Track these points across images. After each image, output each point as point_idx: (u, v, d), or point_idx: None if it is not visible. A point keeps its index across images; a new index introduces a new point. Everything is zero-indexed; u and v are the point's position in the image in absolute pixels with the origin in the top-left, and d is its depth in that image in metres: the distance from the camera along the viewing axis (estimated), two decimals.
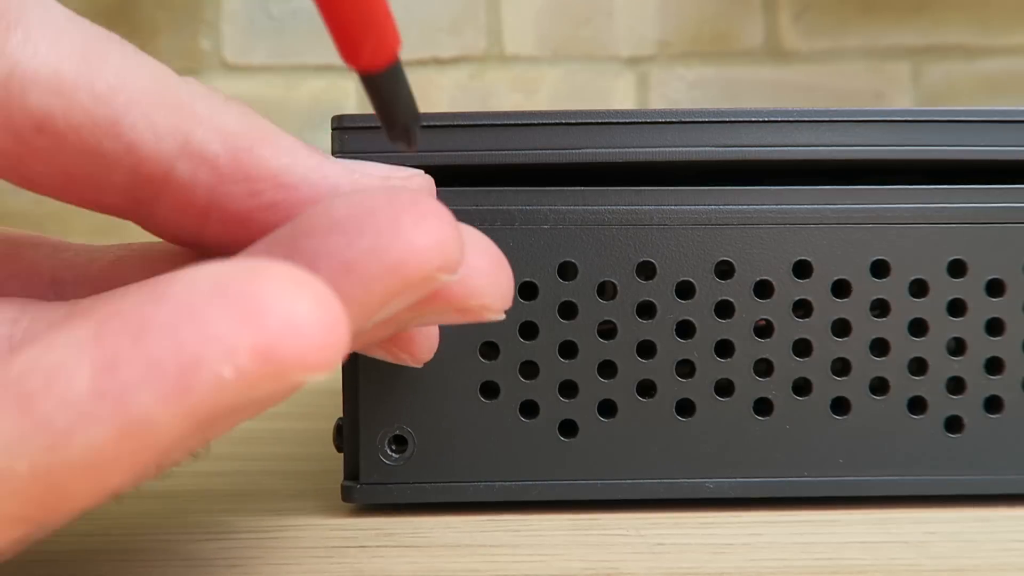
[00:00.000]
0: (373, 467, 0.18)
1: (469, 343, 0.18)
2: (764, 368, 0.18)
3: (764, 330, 0.18)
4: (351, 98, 0.70)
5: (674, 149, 0.18)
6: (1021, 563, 0.16)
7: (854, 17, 0.69)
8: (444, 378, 0.18)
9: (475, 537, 0.17)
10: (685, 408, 0.18)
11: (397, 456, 0.18)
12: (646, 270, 0.18)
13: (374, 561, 0.16)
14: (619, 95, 0.70)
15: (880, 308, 0.19)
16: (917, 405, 0.19)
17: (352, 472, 0.18)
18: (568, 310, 0.18)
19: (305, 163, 0.14)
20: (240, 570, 0.16)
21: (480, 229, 0.18)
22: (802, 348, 0.18)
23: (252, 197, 0.14)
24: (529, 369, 0.18)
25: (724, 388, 0.18)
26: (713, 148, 0.18)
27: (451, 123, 0.18)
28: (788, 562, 0.16)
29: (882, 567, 0.16)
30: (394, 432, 0.18)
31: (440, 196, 0.18)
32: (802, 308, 0.18)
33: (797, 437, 0.18)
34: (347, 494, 0.18)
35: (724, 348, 0.18)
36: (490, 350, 0.18)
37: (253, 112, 0.14)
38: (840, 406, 0.19)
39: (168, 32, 0.70)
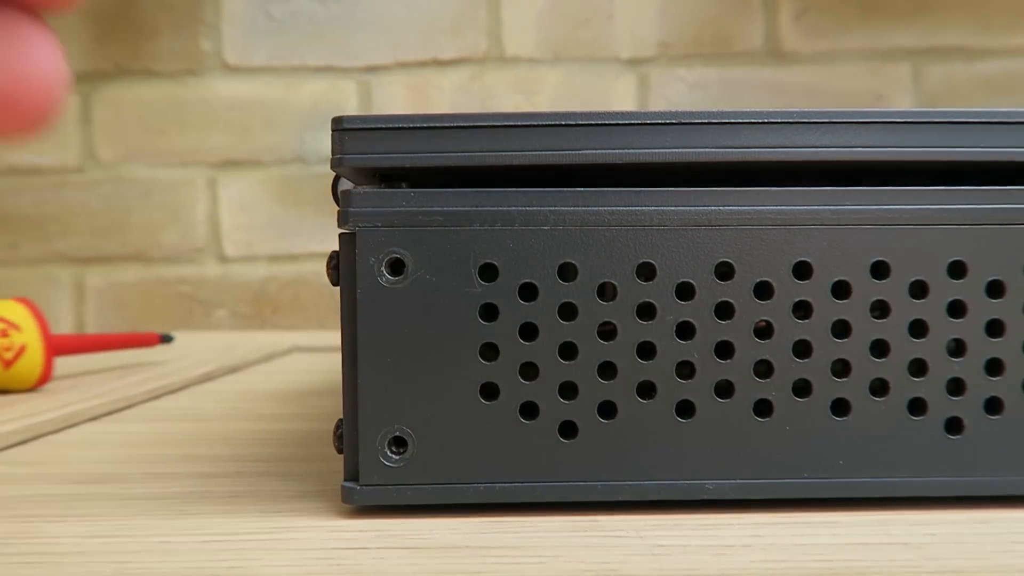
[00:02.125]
0: (373, 468, 0.18)
1: (469, 344, 0.18)
2: (764, 369, 0.18)
3: (764, 331, 0.18)
4: (351, 99, 0.70)
5: (674, 150, 0.18)
6: (1021, 564, 0.16)
7: (854, 18, 0.69)
8: (444, 379, 0.18)
9: (475, 538, 0.17)
10: (685, 409, 0.18)
11: (397, 457, 0.18)
12: (646, 271, 0.18)
13: (374, 563, 0.16)
14: (619, 96, 0.70)
15: (880, 309, 0.19)
16: (917, 406, 0.19)
17: (352, 473, 0.18)
18: (568, 311, 0.18)
19: None
20: (240, 571, 0.16)
21: (480, 230, 0.18)
22: (802, 349, 0.18)
23: None
24: (529, 370, 0.18)
25: (724, 389, 0.18)
26: (713, 149, 0.18)
27: (452, 124, 0.18)
28: (788, 563, 0.16)
29: (882, 568, 0.16)
30: (394, 433, 0.18)
31: (441, 198, 0.18)
32: (802, 309, 0.18)
33: (797, 438, 0.18)
34: (347, 496, 0.18)
35: (724, 349, 0.18)
36: (490, 351, 0.18)
37: None
38: (840, 407, 0.19)
39: (168, 33, 0.70)
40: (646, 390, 0.18)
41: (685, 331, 0.18)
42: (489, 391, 0.18)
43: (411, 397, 0.18)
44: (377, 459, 0.18)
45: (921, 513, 0.18)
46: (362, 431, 0.18)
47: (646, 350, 0.18)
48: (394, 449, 0.18)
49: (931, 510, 0.18)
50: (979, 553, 0.16)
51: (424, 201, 0.18)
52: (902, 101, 0.69)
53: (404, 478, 0.18)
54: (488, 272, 0.18)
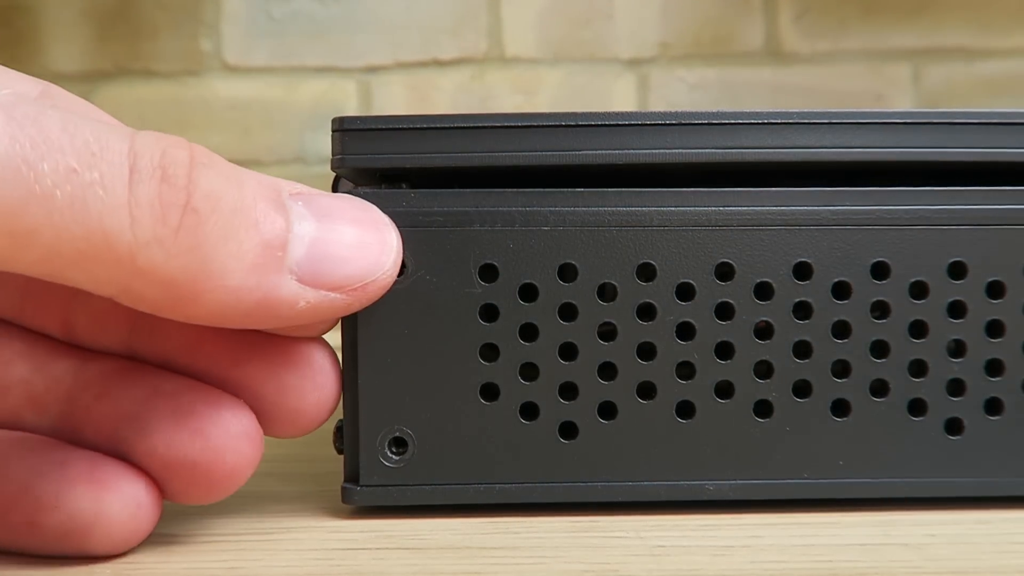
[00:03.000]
0: (373, 469, 0.18)
1: (469, 345, 0.18)
2: (764, 370, 0.18)
3: (764, 332, 0.18)
4: (352, 99, 0.70)
5: (674, 151, 0.18)
6: (1021, 565, 0.16)
7: (854, 19, 0.69)
8: (444, 380, 0.18)
9: (475, 539, 0.17)
10: (685, 410, 0.18)
11: (397, 458, 0.18)
12: (646, 272, 0.18)
13: (374, 563, 0.16)
14: (619, 97, 0.70)
15: (880, 310, 0.19)
16: (917, 407, 0.19)
17: (352, 474, 0.18)
18: (568, 312, 0.18)
19: (248, 300, 0.15)
20: (240, 572, 0.16)
21: (480, 231, 0.18)
22: (802, 350, 0.18)
23: (189, 321, 0.15)
24: (529, 371, 0.18)
25: (724, 390, 0.18)
26: (713, 150, 0.18)
27: (451, 125, 0.18)
28: (788, 564, 0.16)
29: (882, 569, 0.16)
30: (394, 434, 0.18)
31: (441, 198, 0.18)
32: (802, 310, 0.18)
33: (797, 439, 0.18)
34: (347, 496, 0.18)
35: (724, 350, 0.18)
36: (490, 352, 0.18)
37: (210, 238, 0.14)
38: (840, 408, 0.19)
39: (168, 33, 0.70)
40: (646, 391, 0.18)
41: (685, 332, 0.18)
42: (489, 391, 0.18)
43: (411, 398, 0.18)
44: (377, 459, 0.18)
45: (921, 513, 0.18)
46: (362, 431, 0.18)
47: (646, 351, 0.18)
48: (394, 450, 0.18)
49: (931, 511, 0.18)
50: (979, 553, 0.16)
51: (424, 202, 0.18)
52: (902, 101, 0.69)
53: (404, 479, 0.18)
54: (488, 272, 0.18)
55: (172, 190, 0.14)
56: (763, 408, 0.18)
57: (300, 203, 0.16)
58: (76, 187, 0.13)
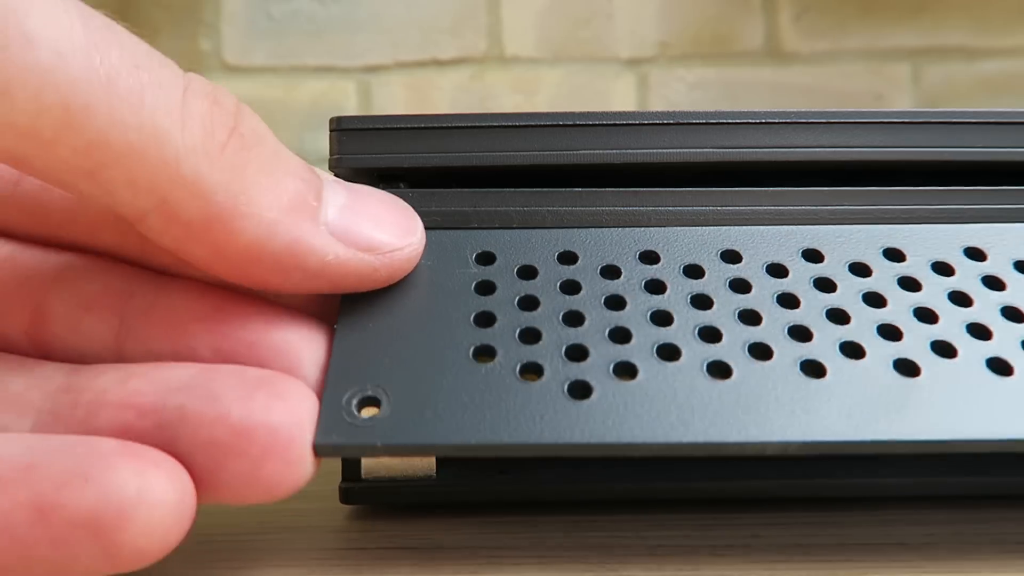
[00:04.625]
0: (334, 426, 0.15)
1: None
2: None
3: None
4: (351, 99, 0.70)
5: (673, 150, 0.18)
6: (1021, 565, 0.16)
7: (854, 18, 0.69)
8: (431, 350, 0.18)
9: (475, 539, 0.17)
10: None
11: (367, 417, 0.16)
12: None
13: (374, 563, 0.16)
14: (619, 96, 0.70)
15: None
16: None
17: (350, 473, 0.18)
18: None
19: (282, 239, 0.14)
20: (239, 572, 0.16)
21: (478, 230, 0.18)
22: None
23: (217, 258, 0.14)
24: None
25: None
26: (712, 149, 0.18)
27: (449, 125, 0.18)
28: (788, 563, 0.16)
29: (882, 568, 0.16)
30: (366, 392, 0.16)
31: (439, 198, 0.18)
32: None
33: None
34: (345, 496, 0.18)
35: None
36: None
37: (253, 165, 0.14)
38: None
39: (168, 33, 0.70)
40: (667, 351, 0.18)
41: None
42: (485, 355, 0.18)
43: (389, 357, 0.17)
44: (341, 417, 0.15)
45: (921, 513, 0.18)
46: (328, 390, 0.16)
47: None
48: (361, 407, 0.16)
49: (931, 510, 0.18)
50: (979, 553, 0.16)
51: (422, 201, 0.18)
52: (902, 101, 0.69)
53: (373, 438, 0.16)
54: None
55: (222, 112, 0.14)
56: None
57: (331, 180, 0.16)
58: (136, 81, 0.13)
